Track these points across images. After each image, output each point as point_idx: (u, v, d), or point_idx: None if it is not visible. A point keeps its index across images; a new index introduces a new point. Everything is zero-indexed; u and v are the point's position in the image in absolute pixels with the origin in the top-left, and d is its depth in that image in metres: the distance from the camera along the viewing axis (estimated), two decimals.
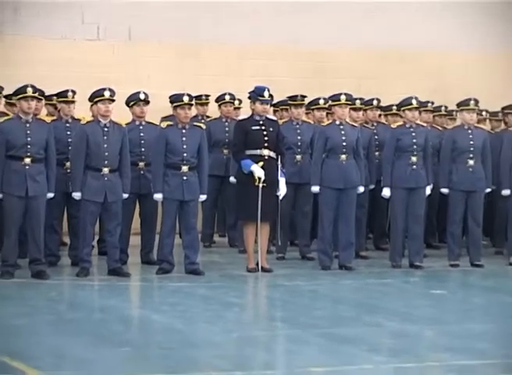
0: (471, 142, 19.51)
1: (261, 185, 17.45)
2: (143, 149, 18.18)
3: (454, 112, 21.23)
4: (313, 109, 20.54)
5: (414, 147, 19.02)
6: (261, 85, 18.40)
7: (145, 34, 22.98)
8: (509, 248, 20.05)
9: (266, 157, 17.67)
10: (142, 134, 18.23)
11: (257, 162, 17.54)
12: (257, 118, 18.00)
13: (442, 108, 22.13)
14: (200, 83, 21.49)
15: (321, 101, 20.10)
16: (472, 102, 19.66)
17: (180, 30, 23.39)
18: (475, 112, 19.90)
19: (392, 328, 13.85)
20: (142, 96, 18.33)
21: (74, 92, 18.18)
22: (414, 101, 19.34)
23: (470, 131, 19.65)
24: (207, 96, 21.50)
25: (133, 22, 23.06)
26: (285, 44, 23.99)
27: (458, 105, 20.08)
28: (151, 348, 12.20)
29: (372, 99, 20.91)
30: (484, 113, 21.73)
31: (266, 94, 18.22)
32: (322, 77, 22.86)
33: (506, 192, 19.74)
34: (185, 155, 17.60)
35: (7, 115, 17.71)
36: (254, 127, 17.83)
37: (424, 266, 18.97)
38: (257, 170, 17.43)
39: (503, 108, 21.40)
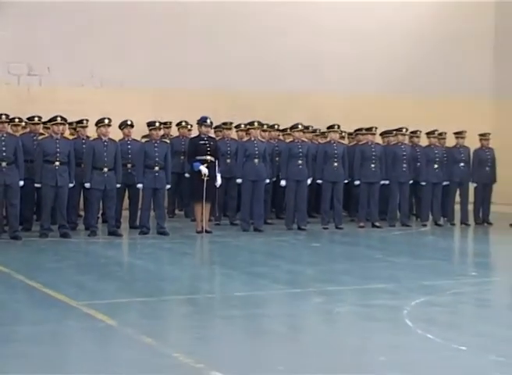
0: (335, 151, 19.73)
1: (205, 179, 17.90)
2: (129, 156, 18.33)
3: (326, 133, 20.78)
4: (237, 131, 20.81)
5: (300, 154, 19.37)
6: (205, 115, 18.67)
7: (132, 83, 22.52)
8: (358, 218, 20.41)
9: (209, 161, 18.06)
10: (129, 146, 18.43)
11: (203, 164, 18.00)
12: (203, 136, 18.43)
13: (318, 130, 21.89)
14: (166, 114, 21.16)
15: (242, 126, 20.37)
16: (336, 127, 19.94)
17: (154, 78, 22.80)
18: (337, 132, 20.15)
19: (287, 268, 14.60)
20: (129, 122, 18.55)
21: (87, 120, 18.50)
22: (299, 126, 19.68)
23: (332, 144, 19.91)
24: (170, 122, 21.51)
25: (124, 76, 22.60)
26: (219, 88, 23.30)
27: (328, 128, 20.39)
28: (134, 281, 13.24)
29: (274, 124, 20.93)
30: (343, 133, 21.56)
31: (208, 121, 18.66)
32: (240, 111, 22.02)
33: (357, 182, 20.16)
34: (157, 159, 18.06)
35: (43, 134, 18.19)
36: (201, 142, 18.29)
37: (307, 229, 19.17)
38: (203, 169, 17.92)
39: (355, 131, 21.27)
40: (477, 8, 26.96)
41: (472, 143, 21.47)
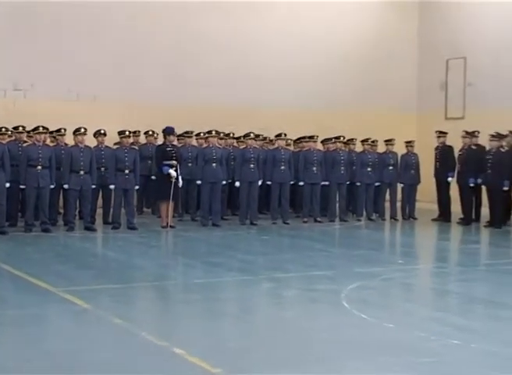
0: (282, 156, 19.64)
1: (173, 180, 17.86)
2: (103, 160, 18.08)
3: (274, 140, 20.48)
4: (197, 139, 20.63)
5: (252, 159, 19.31)
6: (170, 126, 18.58)
7: (104, 97, 22.24)
8: (303, 214, 20.26)
9: (173, 164, 18.01)
10: (102, 152, 18.16)
11: (170, 168, 17.88)
12: (168, 144, 18.36)
13: (267, 138, 21.39)
14: (135, 124, 20.81)
15: (202, 134, 20.20)
16: (283, 135, 20.00)
17: (124, 92, 22.46)
18: (284, 140, 20.21)
19: (240, 257, 14.57)
20: (102, 131, 18.27)
21: (65, 129, 18.29)
22: (251, 134, 19.66)
23: (280, 150, 19.85)
24: (138, 131, 21.20)
25: (97, 90, 22.29)
26: (180, 101, 22.96)
27: (276, 136, 20.33)
28: (107, 270, 13.21)
29: (229, 133, 20.76)
30: (289, 141, 21.13)
31: (174, 130, 18.73)
32: (200, 121, 21.17)
33: (301, 183, 19.92)
34: (127, 163, 17.92)
35: (26, 142, 18.08)
36: (167, 149, 18.18)
37: (258, 224, 19.09)
38: (173, 172, 17.82)
39: (299, 138, 21.13)
40: (402, 31, 27.16)
41: (399, 149, 21.61)
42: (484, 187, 20.44)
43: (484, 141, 20.39)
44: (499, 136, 20.02)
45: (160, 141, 19.70)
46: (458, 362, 7.60)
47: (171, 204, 18.34)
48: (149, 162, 19.70)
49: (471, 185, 20.42)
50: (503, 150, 19.95)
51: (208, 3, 24.23)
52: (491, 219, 19.97)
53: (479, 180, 20.27)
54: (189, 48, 23.90)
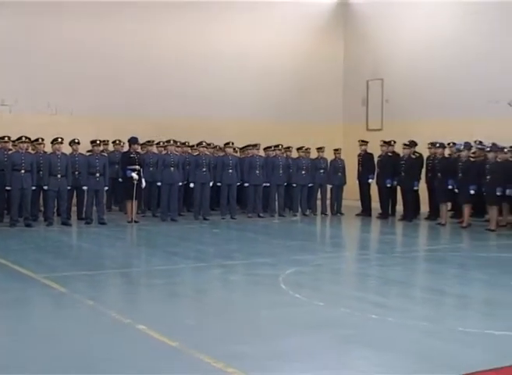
0: (230, 161, 19.64)
1: (135, 182, 17.79)
2: (77, 165, 17.81)
3: (223, 148, 20.13)
4: (157, 147, 20.54)
5: (204, 164, 19.25)
6: (135, 136, 18.50)
7: (79, 111, 22.05)
8: (247, 210, 20.21)
9: (137, 169, 17.90)
10: (77, 159, 17.92)
11: (133, 172, 17.78)
12: (132, 151, 18.23)
13: (217, 146, 21.21)
14: (104, 134, 20.50)
15: (161, 143, 20.03)
16: (231, 143, 20.04)
17: (96, 107, 22.13)
18: (232, 147, 20.21)
19: (195, 248, 14.55)
20: (76, 140, 18.10)
21: (43, 139, 17.90)
22: (203, 143, 19.56)
23: (228, 157, 19.78)
24: (107, 141, 20.80)
25: (73, 105, 21.99)
26: (143, 114, 22.69)
27: (224, 144, 20.15)
28: (81, 259, 13.13)
29: (185, 142, 20.53)
30: (236, 148, 21.15)
31: (137, 139, 18.60)
32: (159, 131, 21.18)
33: (246, 184, 19.95)
34: (97, 168, 17.83)
35: (11, 150, 17.89)
36: (131, 155, 18.07)
37: (209, 219, 18.96)
38: (134, 175, 17.76)
39: (245, 146, 20.99)
40: (331, 56, 27.14)
41: (329, 155, 21.71)
42: (398, 188, 20.68)
43: (398, 148, 20.61)
44: (410, 144, 20.28)
45: (125, 148, 19.52)
46: (377, 332, 7.69)
47: (135, 202, 18.27)
48: (116, 166, 19.50)
49: (388, 186, 20.62)
50: (413, 156, 20.21)
51: (170, 26, 24.18)
52: (404, 214, 20.15)
53: (394, 182, 20.55)
54: (150, 68, 23.67)
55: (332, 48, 27.51)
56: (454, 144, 19.81)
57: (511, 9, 21.73)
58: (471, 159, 18.59)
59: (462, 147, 19.02)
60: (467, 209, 18.52)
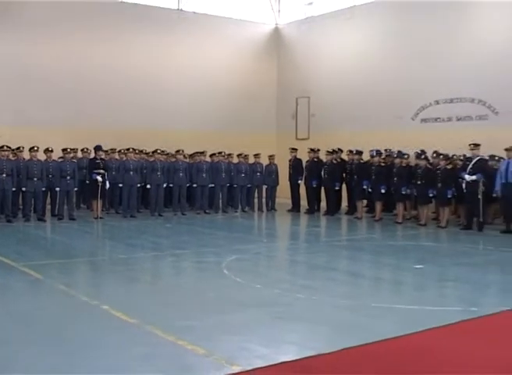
0: (180, 166, 19.65)
1: (100, 184, 17.75)
2: (51, 170, 17.64)
3: (175, 155, 20.34)
4: (119, 154, 20.16)
5: (157, 168, 19.14)
6: (99, 144, 18.44)
7: (54, 124, 21.62)
8: (196, 207, 20.15)
9: (102, 173, 17.83)
10: (50, 164, 17.73)
11: (98, 175, 17.75)
12: (98, 157, 18.14)
13: (170, 153, 20.79)
14: (74, 143, 19.91)
15: (122, 150, 19.86)
16: (181, 151, 20.10)
17: (66, 120, 21.99)
18: (182, 154, 20.19)
19: (151, 240, 14.54)
20: (50, 149, 17.91)
21: (23, 147, 17.78)
22: (158, 150, 19.54)
23: (179, 162, 19.76)
24: (76, 149, 20.21)
25: (47, 118, 21.58)
26: (107, 126, 22.49)
27: (176, 152, 20.23)
28: (54, 250, 13.07)
29: (142, 150, 20.48)
30: (186, 155, 20.79)
31: (102, 147, 18.55)
32: (122, 140, 20.90)
33: (194, 185, 19.94)
34: (68, 172, 17.82)
35: None
36: (96, 161, 18.00)
37: (164, 215, 18.90)
38: (99, 178, 17.75)
39: (193, 153, 20.77)
40: (267, 76, 27.30)
41: (264, 160, 21.79)
42: (322, 187, 20.83)
43: (323, 155, 20.79)
44: (332, 152, 20.46)
45: (92, 155, 19.32)
46: (304, 309, 7.76)
47: (100, 201, 18.22)
48: (84, 170, 19.27)
49: (314, 186, 20.80)
50: (335, 162, 20.39)
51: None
52: (327, 210, 20.32)
53: (319, 183, 20.72)
54: (112, 86, 23.47)
55: (268, 68, 27.58)
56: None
57: (417, 38, 22.15)
58: (382, 164, 18.82)
59: (374, 153, 19.24)
60: (378, 205, 18.77)
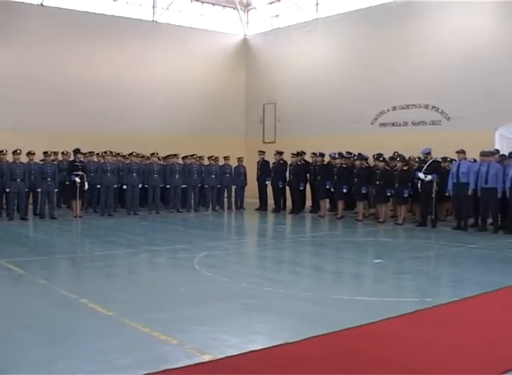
0: (155, 168, 19.49)
1: (78, 185, 17.54)
2: (32, 172, 17.52)
3: (150, 157, 20.09)
4: (97, 156, 19.97)
5: (134, 170, 19.06)
6: (78, 147, 18.29)
7: (41, 128, 21.51)
8: (170, 207, 20.13)
9: (80, 175, 17.62)
10: (32, 166, 17.59)
11: (77, 177, 17.55)
12: (77, 160, 17.97)
13: (145, 156, 20.91)
14: (55, 147, 19.78)
15: (100, 153, 19.75)
16: (156, 153, 19.90)
17: (46, 123, 21.81)
18: (156, 157, 20.04)
19: (127, 237, 14.42)
20: (32, 152, 17.80)
21: (7, 151, 17.35)
22: (134, 153, 19.36)
23: (153, 164, 19.63)
24: (57, 152, 20.27)
25: (31, 123, 21.46)
26: (86, 129, 22.44)
27: (151, 154, 19.99)
28: (36, 247, 12.92)
29: (119, 152, 20.28)
30: (160, 157, 20.44)
31: (81, 150, 18.31)
32: (100, 143, 21.09)
33: (168, 186, 19.98)
34: (49, 173, 17.60)
35: None
36: (75, 163, 17.81)
37: (139, 214, 18.82)
38: (77, 180, 17.55)
39: (167, 156, 20.56)
40: (236, 84, 27.39)
41: (234, 162, 21.79)
42: (288, 187, 20.87)
43: (288, 157, 20.84)
44: (297, 154, 20.50)
45: (71, 158, 19.14)
46: (271, 301, 7.74)
47: (79, 201, 18.09)
48: (64, 172, 19.10)
49: (280, 186, 20.85)
50: (299, 163, 20.43)
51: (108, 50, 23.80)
52: (292, 208, 20.38)
53: (285, 183, 20.75)
54: (89, 92, 23.32)
55: (237, 77, 27.62)
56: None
57: (376, 49, 22.46)
58: (343, 165, 18.89)
59: (336, 156, 19.32)
60: (340, 204, 18.85)
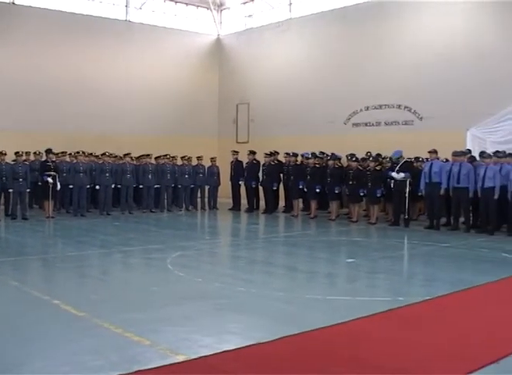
0: (128, 168, 19.44)
1: (51, 185, 17.42)
2: (4, 172, 17.46)
3: (123, 157, 19.91)
4: (69, 156, 20.09)
5: (107, 170, 18.94)
6: (50, 148, 18.10)
7: (7, 128, 21.18)
8: (143, 207, 20.13)
9: (53, 175, 17.46)
10: (3, 167, 17.34)
11: (49, 177, 17.41)
12: (49, 160, 17.79)
13: (118, 156, 20.62)
14: (26, 147, 20.00)
15: (72, 153, 19.66)
16: (129, 154, 20.05)
17: (19, 124, 21.59)
18: (130, 157, 20.01)
19: (99, 237, 14.39)
20: (4, 152, 17.55)
21: None
22: (107, 153, 19.42)
23: (127, 164, 19.64)
24: (29, 152, 20.12)
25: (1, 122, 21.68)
26: (56, 129, 22.18)
27: (124, 155, 19.96)
28: (8, 248, 12.76)
29: (92, 152, 20.23)
30: (133, 157, 20.60)
31: (53, 150, 18.12)
32: (72, 144, 21.09)
33: (141, 186, 20.08)
34: (20, 174, 17.45)
35: None
36: (48, 163, 17.62)
37: (111, 214, 18.74)
38: (50, 180, 17.41)
39: (140, 156, 20.65)
40: (209, 84, 27.37)
41: (207, 162, 21.81)
42: (261, 187, 20.90)
43: (261, 157, 20.89)
44: (270, 154, 20.56)
45: (44, 158, 19.01)
46: (244, 301, 7.76)
47: (51, 201, 17.95)
48: (36, 172, 18.94)
49: (253, 186, 20.88)
50: (273, 163, 20.49)
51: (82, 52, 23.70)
52: (266, 208, 20.42)
53: (258, 183, 20.79)
54: (62, 93, 23.10)
55: (211, 77, 27.56)
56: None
57: (349, 49, 22.61)
58: (316, 165, 18.97)
59: (309, 156, 19.40)
60: (313, 204, 18.93)
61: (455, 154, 15.80)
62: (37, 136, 21.56)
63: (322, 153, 19.90)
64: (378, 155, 18.52)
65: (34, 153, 20.60)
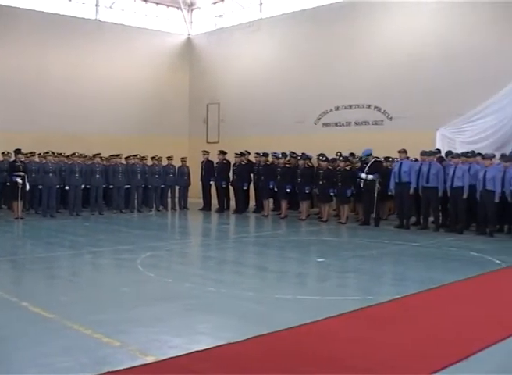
0: (97, 169, 19.60)
1: (20, 186, 17.20)
2: None
3: (92, 157, 20.08)
4: (39, 157, 19.73)
5: (76, 171, 18.83)
6: (19, 148, 17.84)
7: None
8: (112, 207, 19.93)
9: (22, 175, 17.26)
10: None
11: (18, 177, 17.23)
12: (17, 160, 17.56)
13: (87, 156, 20.40)
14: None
15: (42, 153, 19.29)
16: (100, 154, 20.07)
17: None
18: (100, 157, 19.82)
19: (69, 238, 14.25)
20: None
21: None
22: (76, 153, 19.32)
23: (95, 164, 19.56)
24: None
25: None
26: (27, 129, 22.05)
27: (94, 155, 19.90)
28: None
29: (61, 153, 20.05)
30: (104, 157, 20.26)
31: (22, 150, 17.90)
32: (43, 144, 20.90)
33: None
34: None
35: None
36: (17, 164, 17.35)
37: (81, 215, 18.62)
38: (19, 180, 17.22)
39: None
40: (180, 85, 27.41)
41: (177, 162, 21.77)
42: (231, 187, 20.91)
43: (232, 157, 20.92)
44: (240, 154, 20.58)
45: (12, 158, 18.80)
46: (214, 301, 7.77)
47: (20, 202, 17.76)
48: (5, 173, 18.80)
49: (223, 186, 20.89)
50: (243, 163, 20.51)
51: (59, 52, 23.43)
52: (236, 208, 20.44)
53: (229, 183, 20.80)
54: (32, 93, 22.99)
55: (181, 76, 27.61)
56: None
57: (318, 50, 22.75)
58: (287, 165, 19.05)
59: (280, 156, 19.47)
60: (284, 204, 19.01)
61: (424, 153, 15.97)
62: (6, 136, 21.36)
63: (293, 153, 19.97)
64: (352, 154, 18.68)
65: (3, 153, 20.39)
